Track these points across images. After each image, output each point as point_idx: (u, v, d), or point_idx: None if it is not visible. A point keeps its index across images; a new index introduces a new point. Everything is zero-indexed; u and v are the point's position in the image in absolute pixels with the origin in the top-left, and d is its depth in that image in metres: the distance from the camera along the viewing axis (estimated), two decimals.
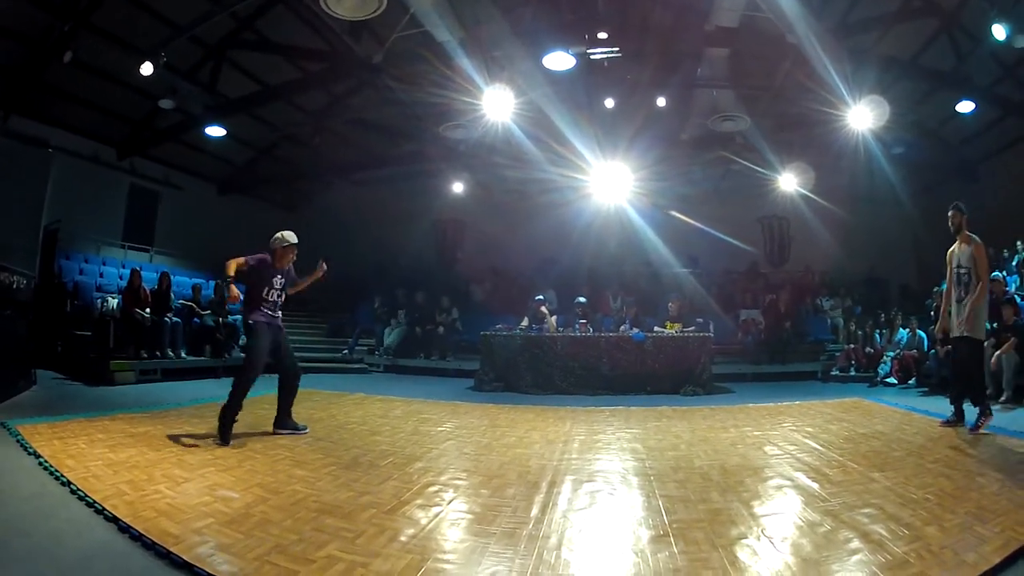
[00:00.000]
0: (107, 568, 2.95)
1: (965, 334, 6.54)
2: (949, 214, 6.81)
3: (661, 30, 10.29)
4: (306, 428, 6.45)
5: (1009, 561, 2.97)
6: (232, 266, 6.12)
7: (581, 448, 5.94)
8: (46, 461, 4.66)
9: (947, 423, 6.66)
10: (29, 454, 4.94)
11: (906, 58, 11.32)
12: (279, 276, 6.32)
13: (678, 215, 16.56)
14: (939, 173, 15.23)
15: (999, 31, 9.16)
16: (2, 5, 9.39)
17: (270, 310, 6.26)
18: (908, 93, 12.11)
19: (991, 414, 6.37)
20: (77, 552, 3.09)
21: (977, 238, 6.64)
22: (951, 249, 6.89)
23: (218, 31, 11.10)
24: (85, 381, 9.92)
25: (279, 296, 6.37)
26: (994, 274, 10.38)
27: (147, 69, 10.05)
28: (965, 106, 11.58)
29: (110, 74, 11.70)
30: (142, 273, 11.63)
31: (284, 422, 6.38)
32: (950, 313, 6.86)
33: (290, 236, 6.38)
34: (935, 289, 11.88)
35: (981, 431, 6.18)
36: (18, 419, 6.23)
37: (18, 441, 5.35)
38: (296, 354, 13.56)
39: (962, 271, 6.68)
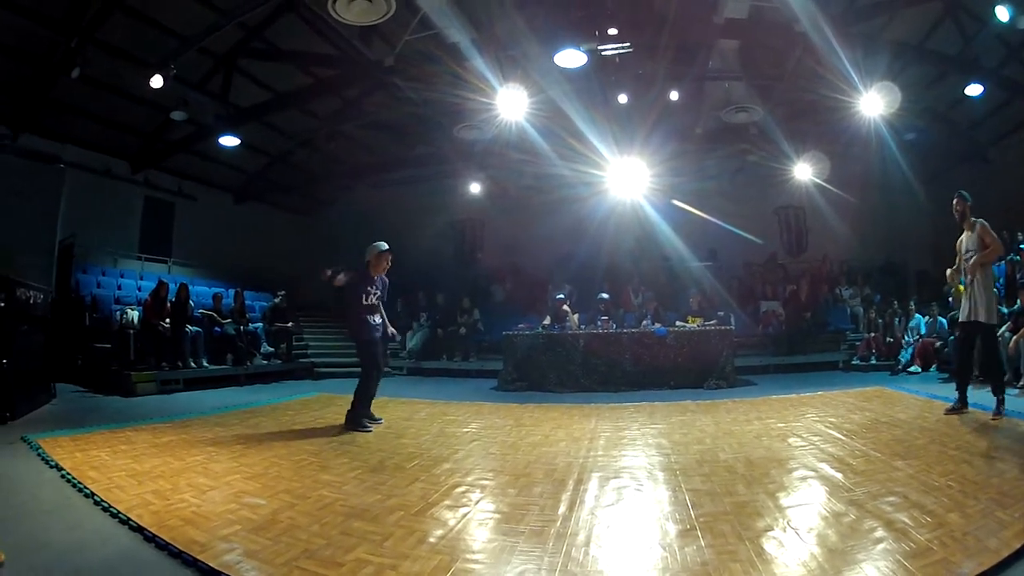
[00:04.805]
0: None
1: (980, 320, 6.46)
2: (953, 202, 6.80)
3: (671, 23, 10.24)
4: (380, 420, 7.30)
5: None
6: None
7: (607, 445, 5.93)
8: (68, 473, 4.67)
9: (952, 410, 6.56)
10: (51, 467, 4.94)
11: (914, 43, 11.22)
12: (375, 284, 7.16)
13: (693, 210, 16.43)
14: (951, 158, 15.09)
15: (1002, 12, 9.15)
16: (4, 23, 9.46)
17: (370, 314, 7.11)
18: (918, 78, 12.00)
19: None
20: (102, 562, 3.11)
21: (982, 220, 6.61)
22: (959, 239, 6.86)
23: (227, 41, 11.09)
24: (106, 393, 9.98)
25: (377, 300, 7.21)
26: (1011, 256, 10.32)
27: (157, 82, 10.04)
28: (974, 89, 11.45)
29: (120, 88, 11.76)
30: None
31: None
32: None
33: (380, 244, 7.19)
34: None
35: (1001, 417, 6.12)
36: (39, 433, 6.26)
37: (39, 454, 5.36)
38: (317, 358, 13.63)
39: (970, 255, 6.60)
